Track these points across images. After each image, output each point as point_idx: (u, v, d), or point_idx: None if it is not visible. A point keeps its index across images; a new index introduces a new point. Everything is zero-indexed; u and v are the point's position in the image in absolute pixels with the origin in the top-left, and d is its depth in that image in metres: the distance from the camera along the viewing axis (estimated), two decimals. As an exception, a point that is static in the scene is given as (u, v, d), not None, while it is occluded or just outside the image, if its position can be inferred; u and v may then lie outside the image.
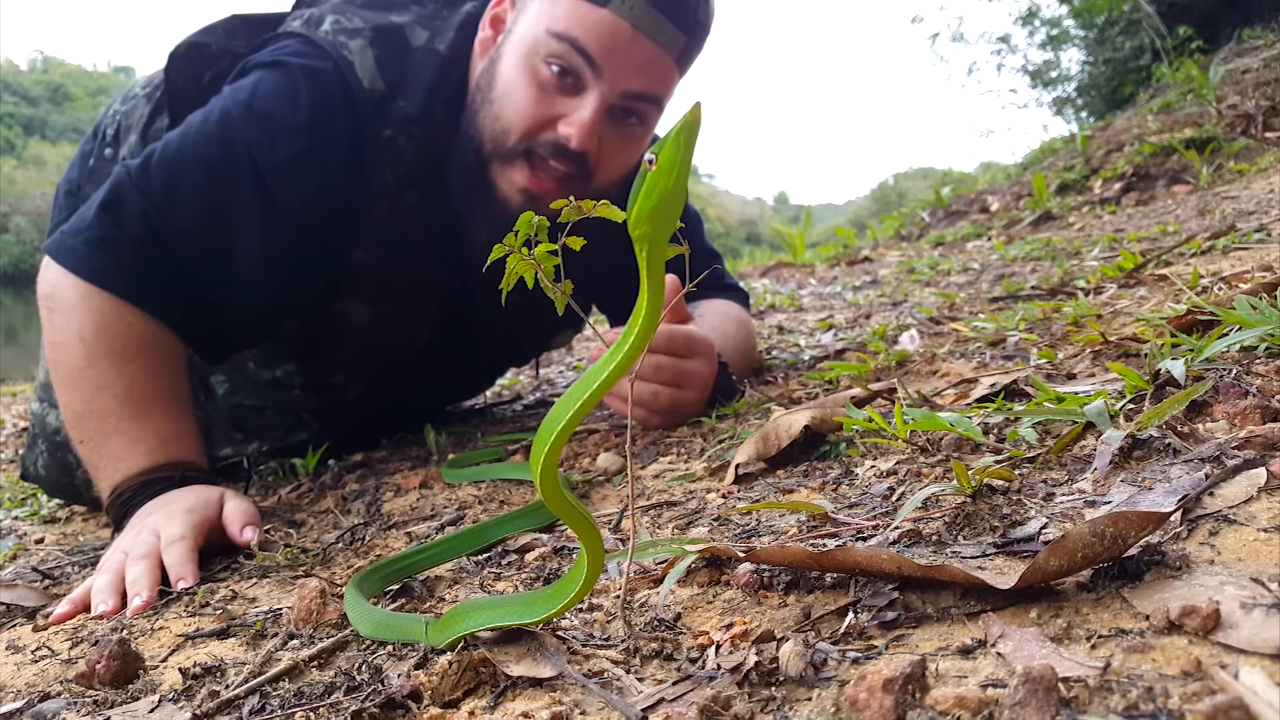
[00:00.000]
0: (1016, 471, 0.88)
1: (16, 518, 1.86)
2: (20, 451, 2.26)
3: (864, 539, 0.81)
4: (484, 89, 1.46)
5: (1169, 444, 0.83)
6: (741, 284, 5.18)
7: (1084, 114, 12.18)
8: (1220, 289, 1.50)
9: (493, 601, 0.73)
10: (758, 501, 1.01)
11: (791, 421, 1.17)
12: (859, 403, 1.34)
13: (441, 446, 1.67)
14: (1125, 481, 0.79)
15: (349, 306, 1.56)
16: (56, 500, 1.84)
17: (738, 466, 1.13)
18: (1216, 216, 2.95)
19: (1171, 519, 0.68)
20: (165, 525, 1.17)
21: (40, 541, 1.62)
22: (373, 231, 1.49)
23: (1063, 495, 0.80)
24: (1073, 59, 12.44)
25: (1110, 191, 4.79)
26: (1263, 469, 0.72)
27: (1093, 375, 1.25)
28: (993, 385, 1.24)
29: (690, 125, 0.56)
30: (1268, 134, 4.52)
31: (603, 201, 0.84)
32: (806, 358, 1.90)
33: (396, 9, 1.56)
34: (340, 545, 1.18)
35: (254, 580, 1.08)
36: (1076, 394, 1.08)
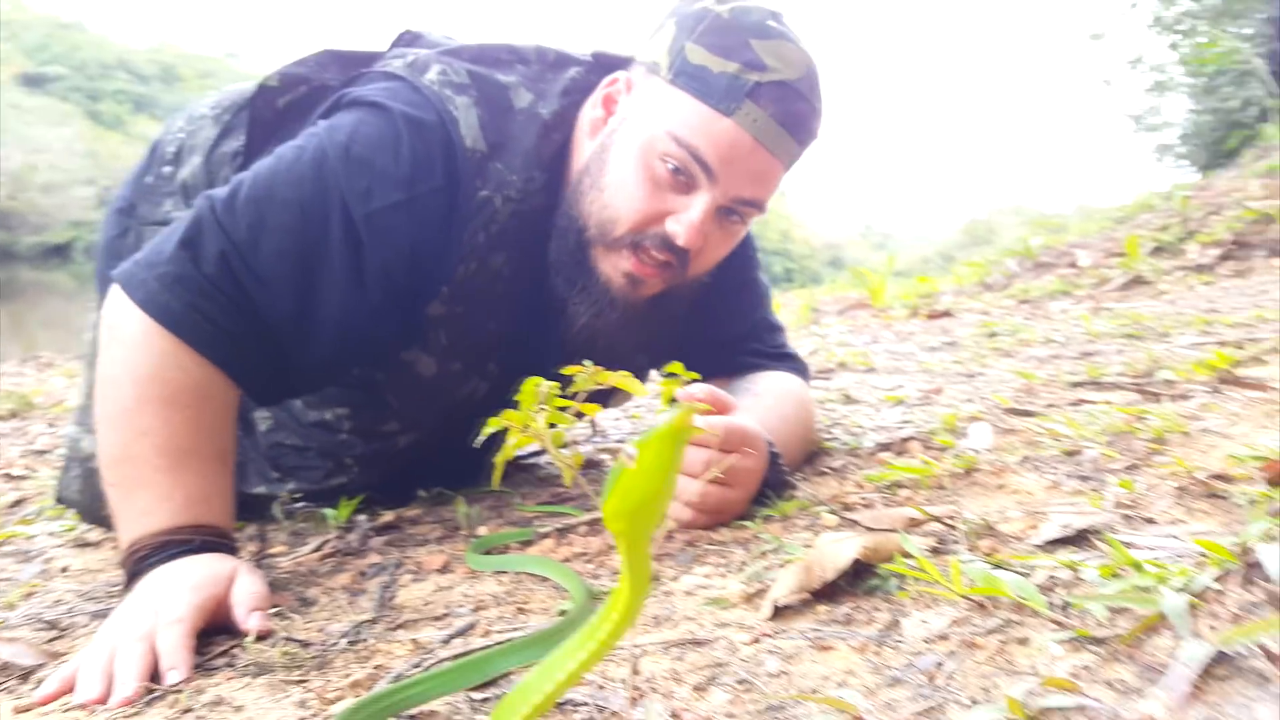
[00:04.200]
0: (1078, 659, 0.78)
1: (52, 533, 1.85)
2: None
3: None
4: (593, 173, 1.43)
5: (1259, 670, 0.71)
6: (816, 326, 5.03)
7: (1185, 163, 11.77)
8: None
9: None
10: (790, 657, 0.92)
11: (839, 553, 1.08)
12: (915, 524, 1.24)
13: (472, 519, 1.60)
14: (1202, 716, 0.68)
15: (417, 358, 1.51)
16: None
17: (775, 601, 1.04)
18: (1324, 304, 2.76)
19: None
20: (167, 602, 1.12)
21: (64, 571, 1.59)
22: (455, 289, 1.45)
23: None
24: (1178, 105, 12.05)
25: (1206, 258, 4.56)
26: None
27: (1174, 522, 1.13)
28: (1065, 526, 1.13)
29: (678, 432, 0.48)
30: (1385, 209, 4.26)
31: (622, 373, 0.76)
32: (868, 444, 1.79)
33: (503, 67, 1.50)
34: (342, 645, 1.11)
35: (246, 680, 1.02)
36: (1155, 559, 0.97)
